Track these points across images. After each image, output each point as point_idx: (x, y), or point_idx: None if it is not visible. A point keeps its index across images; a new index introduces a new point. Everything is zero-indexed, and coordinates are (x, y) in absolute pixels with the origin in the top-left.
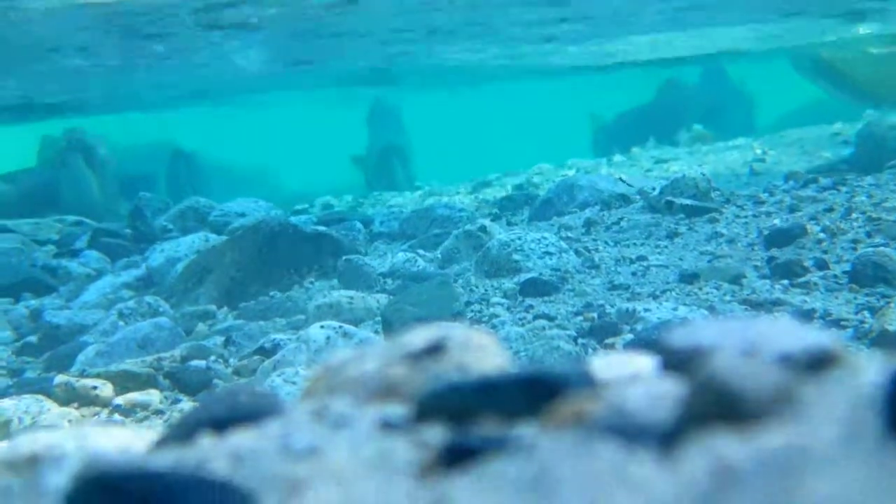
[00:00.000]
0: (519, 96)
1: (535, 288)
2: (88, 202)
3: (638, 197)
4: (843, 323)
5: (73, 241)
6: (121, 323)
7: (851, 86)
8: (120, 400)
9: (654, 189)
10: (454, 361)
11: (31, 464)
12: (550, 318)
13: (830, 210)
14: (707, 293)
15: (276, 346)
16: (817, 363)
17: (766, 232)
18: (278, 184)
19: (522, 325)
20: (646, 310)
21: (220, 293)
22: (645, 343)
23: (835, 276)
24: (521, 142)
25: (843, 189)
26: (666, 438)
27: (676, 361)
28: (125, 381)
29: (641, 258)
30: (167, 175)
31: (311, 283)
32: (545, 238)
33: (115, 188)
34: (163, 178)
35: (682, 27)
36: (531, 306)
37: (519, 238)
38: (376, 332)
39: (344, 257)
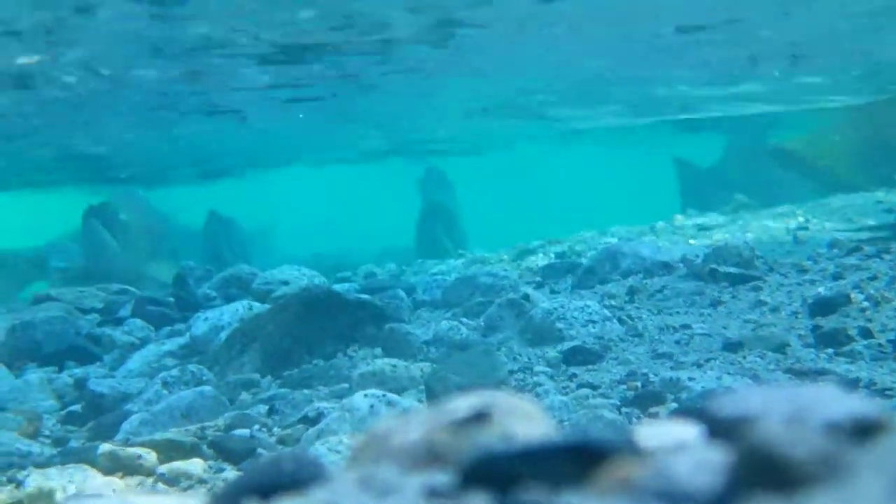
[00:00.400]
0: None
1: (579, 356)
2: (111, 267)
3: (681, 265)
4: (887, 392)
5: (117, 310)
6: (165, 391)
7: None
8: (164, 469)
9: (697, 257)
10: (499, 429)
11: None
12: (594, 387)
13: (874, 278)
14: (751, 362)
15: (319, 415)
16: (863, 431)
17: (810, 300)
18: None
19: (566, 393)
20: (690, 378)
21: (264, 361)
22: (689, 412)
23: (879, 344)
24: (565, 205)
25: (887, 257)
26: None
27: (722, 429)
28: (169, 450)
29: (685, 326)
30: (204, 240)
31: (355, 351)
32: (588, 306)
33: (146, 252)
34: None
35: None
36: (574, 375)
37: (562, 306)
38: (420, 400)
39: (387, 325)
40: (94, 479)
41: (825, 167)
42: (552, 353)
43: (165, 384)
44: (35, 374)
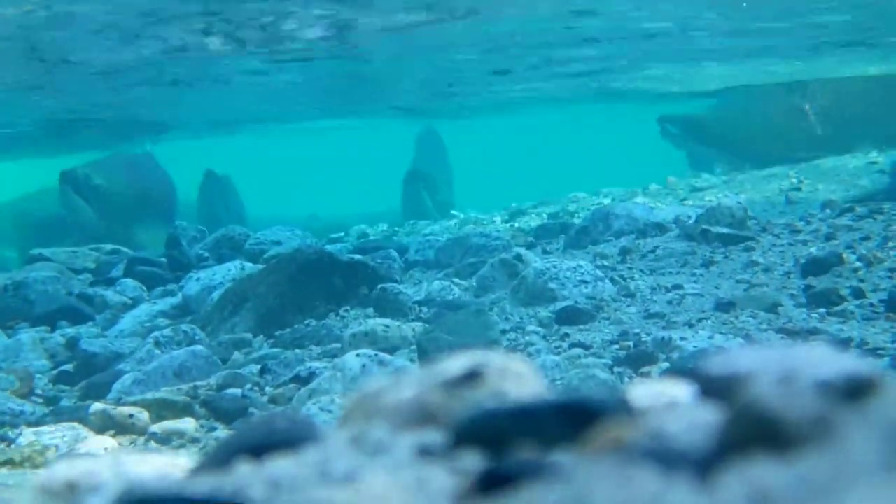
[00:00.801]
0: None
1: (571, 316)
2: (87, 229)
3: (674, 226)
4: (879, 352)
5: (110, 270)
6: (157, 351)
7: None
8: (156, 428)
9: (690, 217)
10: (491, 388)
11: (69, 491)
12: (586, 347)
13: (867, 239)
14: (743, 322)
15: (311, 375)
16: (855, 391)
17: (802, 261)
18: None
19: (558, 353)
20: (682, 338)
21: (256, 321)
22: (681, 371)
23: (871, 304)
24: (558, 169)
25: (880, 218)
26: (704, 464)
27: (714, 389)
28: (161, 409)
29: (677, 287)
30: (199, 199)
31: (347, 311)
32: (581, 266)
33: (130, 217)
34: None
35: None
36: (567, 335)
37: (554, 266)
38: (411, 360)
39: (379, 286)
40: (87, 438)
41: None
42: (544, 313)
43: (158, 344)
44: (27, 334)
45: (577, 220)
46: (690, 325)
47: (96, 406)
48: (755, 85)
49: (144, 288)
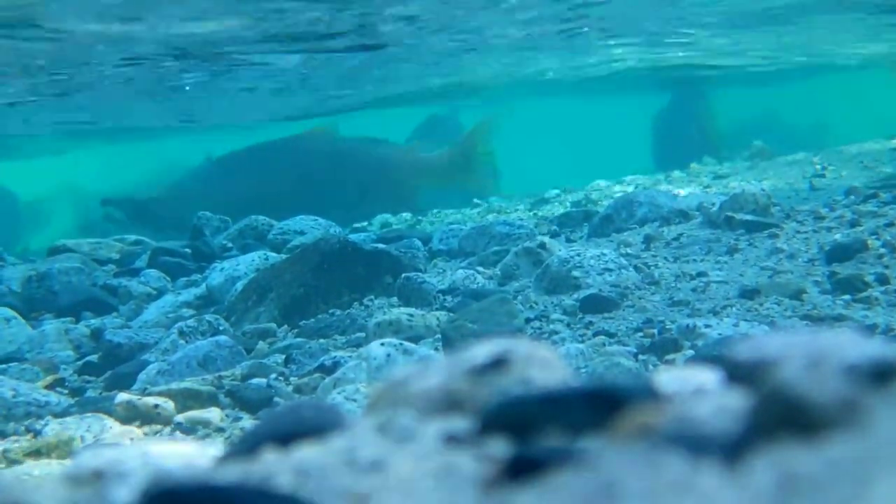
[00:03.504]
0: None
1: (595, 304)
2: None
3: (697, 213)
4: None
5: (134, 261)
6: (181, 341)
7: None
8: (181, 418)
9: (713, 205)
10: (517, 375)
11: (96, 479)
12: (610, 335)
13: (891, 225)
14: (768, 309)
15: (336, 364)
16: (882, 375)
17: (826, 247)
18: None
19: (582, 341)
20: (706, 326)
21: (280, 311)
22: (707, 358)
23: None
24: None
25: None
26: (732, 450)
27: (740, 374)
28: (186, 399)
29: (702, 274)
30: None
31: (371, 300)
32: (604, 254)
33: None
34: None
35: None
36: (591, 323)
37: (578, 255)
38: (436, 348)
39: (403, 275)
40: (112, 429)
41: None
42: (568, 301)
43: (182, 334)
44: (52, 325)
45: (600, 209)
46: (715, 313)
47: (121, 396)
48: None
49: (168, 278)
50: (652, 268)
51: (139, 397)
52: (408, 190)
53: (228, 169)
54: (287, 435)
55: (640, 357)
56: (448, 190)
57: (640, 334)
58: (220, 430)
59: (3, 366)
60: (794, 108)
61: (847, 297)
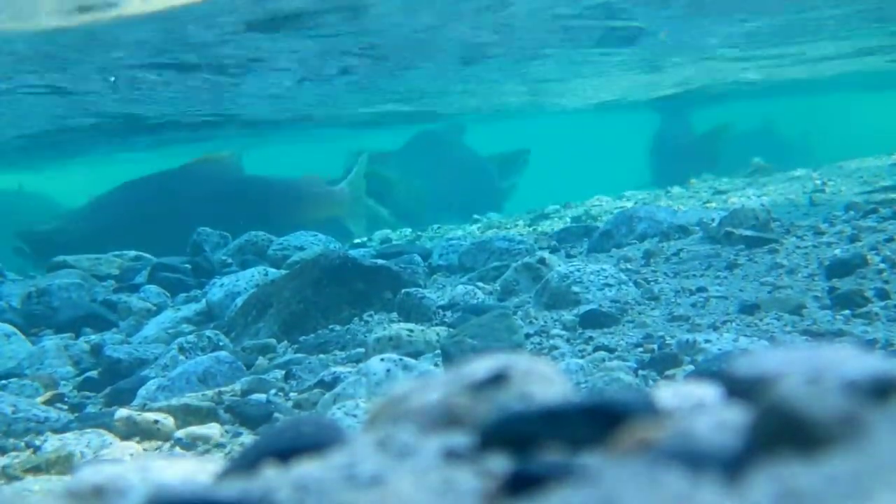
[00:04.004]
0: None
1: (595, 320)
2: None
3: (697, 228)
4: None
5: (133, 276)
6: (181, 357)
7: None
8: (181, 433)
9: (713, 220)
10: (517, 390)
11: (96, 496)
12: (610, 350)
13: (891, 240)
14: (768, 324)
15: (336, 380)
16: (882, 390)
17: (826, 262)
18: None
19: (582, 356)
20: (706, 341)
21: (280, 327)
22: (707, 373)
23: None
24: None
25: None
26: (732, 465)
27: (740, 390)
28: (186, 415)
29: (701, 289)
30: None
31: (371, 316)
32: (604, 270)
33: None
34: None
35: None
36: (591, 338)
37: (578, 270)
38: (436, 364)
39: (403, 290)
40: (112, 444)
41: None
42: (568, 316)
43: (182, 350)
44: (51, 341)
45: (600, 224)
46: (715, 328)
47: (121, 412)
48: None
49: (168, 294)
50: (652, 283)
51: (139, 413)
52: (305, 223)
53: (121, 198)
54: (287, 450)
55: (640, 372)
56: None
57: (640, 349)
58: (220, 445)
59: (3, 382)
60: (789, 122)
61: (847, 312)
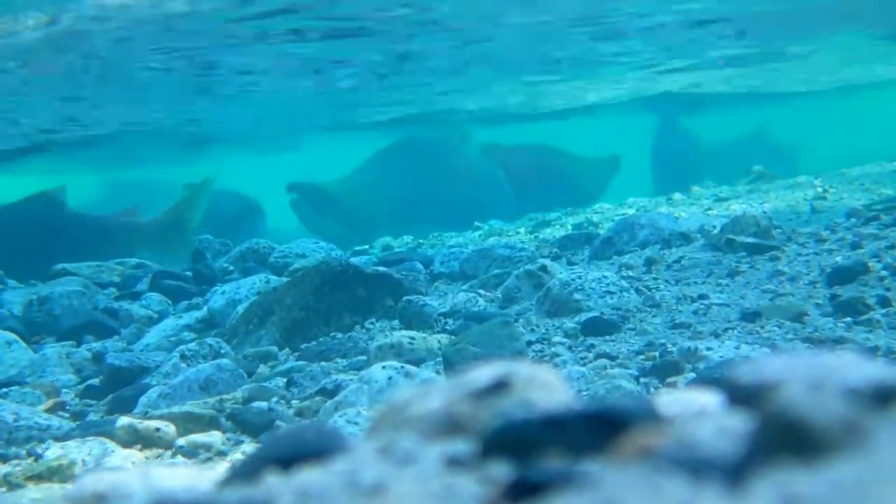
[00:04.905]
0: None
1: (597, 327)
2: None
3: (699, 235)
4: None
5: (135, 284)
6: (183, 365)
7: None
8: (182, 441)
9: (714, 227)
10: (519, 398)
11: (99, 503)
12: (612, 358)
13: (893, 247)
14: (769, 331)
15: (337, 387)
16: (884, 397)
17: (828, 269)
18: None
19: (584, 364)
20: (708, 348)
21: (282, 334)
22: (708, 381)
23: None
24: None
25: None
26: (734, 472)
27: (742, 397)
28: (188, 423)
29: (703, 297)
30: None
31: (372, 323)
32: (606, 277)
33: None
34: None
35: None
36: (592, 345)
37: (580, 277)
38: (438, 371)
39: (405, 298)
40: (113, 452)
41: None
42: (570, 323)
43: (183, 357)
44: (53, 349)
45: (601, 231)
46: (716, 335)
47: (123, 420)
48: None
49: (170, 301)
50: (653, 290)
51: (140, 421)
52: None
53: None
54: (288, 458)
55: (642, 380)
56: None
57: (642, 357)
58: (222, 453)
59: (5, 390)
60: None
61: (848, 319)
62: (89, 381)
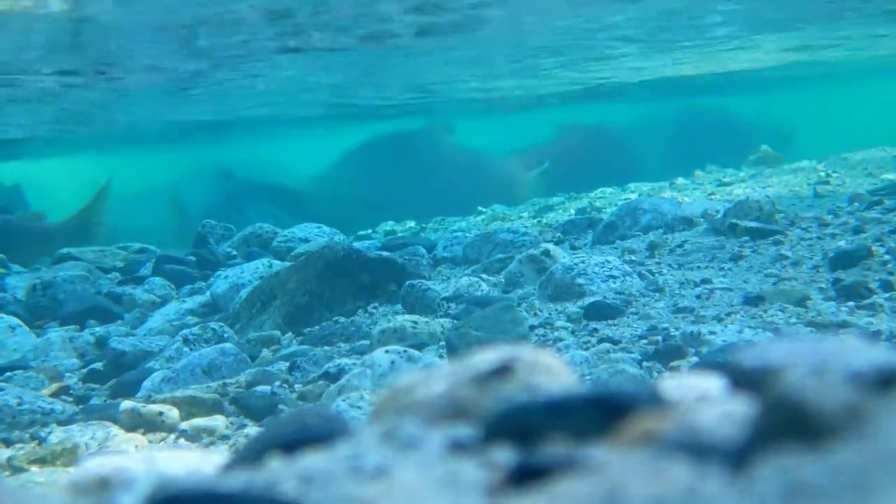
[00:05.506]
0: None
1: (600, 311)
2: None
3: (702, 220)
4: None
5: (138, 269)
6: (186, 349)
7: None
8: (186, 425)
9: (717, 212)
10: (522, 382)
11: (102, 487)
12: (615, 342)
13: (895, 232)
14: (772, 316)
15: (340, 371)
16: (887, 382)
17: (830, 254)
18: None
19: (587, 348)
20: (711, 333)
21: (285, 319)
22: (711, 365)
23: None
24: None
25: None
26: (737, 456)
27: (745, 381)
28: (191, 407)
29: (706, 281)
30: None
31: (375, 307)
32: (609, 262)
33: None
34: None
35: None
36: (595, 330)
37: (582, 262)
38: (440, 356)
39: (407, 282)
40: (117, 436)
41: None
42: (573, 308)
43: (186, 342)
44: (56, 333)
45: (604, 216)
46: (719, 320)
47: (126, 404)
48: None
49: (173, 286)
50: (656, 275)
51: (144, 405)
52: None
53: None
54: (291, 442)
55: (645, 364)
56: None
57: (645, 341)
58: (225, 437)
59: (8, 374)
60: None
61: (851, 303)
62: (92, 366)
